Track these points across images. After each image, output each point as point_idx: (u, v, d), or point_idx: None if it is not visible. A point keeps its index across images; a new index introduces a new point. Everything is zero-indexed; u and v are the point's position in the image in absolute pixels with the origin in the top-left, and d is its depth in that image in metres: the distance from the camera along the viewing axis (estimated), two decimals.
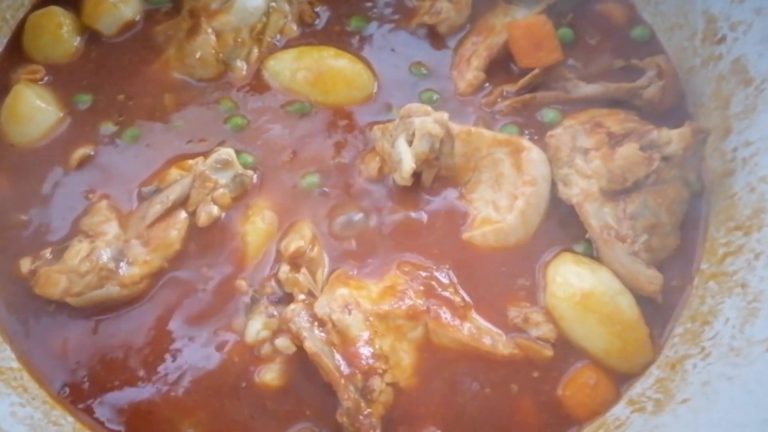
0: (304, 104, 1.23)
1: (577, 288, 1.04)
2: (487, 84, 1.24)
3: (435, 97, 1.24)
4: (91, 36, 1.25)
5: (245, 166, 1.16)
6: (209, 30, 1.21)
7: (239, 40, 1.22)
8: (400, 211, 1.15)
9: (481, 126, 1.18)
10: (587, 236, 1.08)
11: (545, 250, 1.12)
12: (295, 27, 1.26)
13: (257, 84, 1.24)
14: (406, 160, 1.12)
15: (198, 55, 1.22)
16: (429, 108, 1.15)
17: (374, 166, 1.18)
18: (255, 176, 1.18)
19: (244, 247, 1.12)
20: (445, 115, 1.14)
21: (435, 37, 1.26)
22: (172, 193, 1.13)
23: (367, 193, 1.17)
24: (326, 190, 1.17)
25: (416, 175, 1.13)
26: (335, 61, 1.23)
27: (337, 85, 1.22)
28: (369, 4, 1.27)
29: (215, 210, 1.14)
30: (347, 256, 1.13)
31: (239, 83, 1.25)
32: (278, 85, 1.25)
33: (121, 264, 1.08)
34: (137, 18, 1.26)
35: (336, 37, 1.25)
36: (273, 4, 1.23)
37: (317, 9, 1.26)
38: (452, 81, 1.26)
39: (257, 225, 1.14)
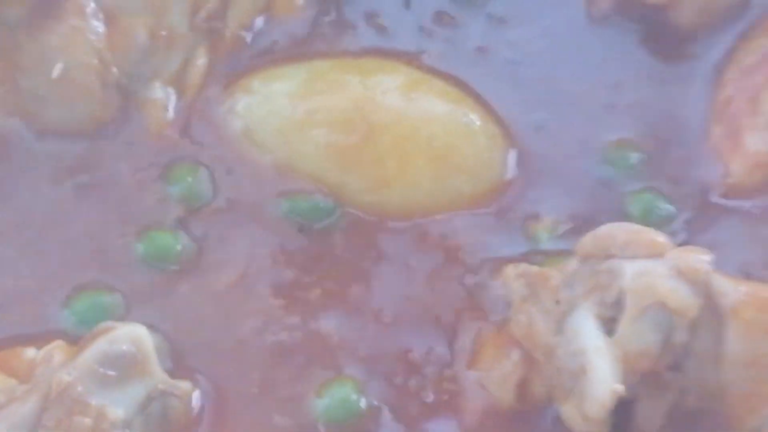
0: (318, 201, 0.83)
1: None
2: None
3: (666, 207, 0.83)
4: None
5: (173, 373, 0.80)
6: (88, 8, 0.81)
7: (162, 32, 0.84)
8: None
9: None
10: None
11: None
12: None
13: (204, 143, 0.82)
14: (601, 373, 0.72)
15: (56, 71, 0.81)
16: (659, 236, 0.74)
17: (508, 374, 0.78)
18: (197, 398, 0.76)
19: None
20: (702, 261, 0.73)
21: (662, 42, 0.87)
22: None
23: None
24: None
25: (622, 408, 0.74)
26: (406, 100, 0.79)
27: (410, 159, 0.79)
28: None
29: None
30: None
31: (160, 140, 0.82)
32: (260, 152, 0.82)
33: None
34: None
35: (412, 33, 0.86)
36: None
37: None
38: (712, 152, 0.82)
39: None
